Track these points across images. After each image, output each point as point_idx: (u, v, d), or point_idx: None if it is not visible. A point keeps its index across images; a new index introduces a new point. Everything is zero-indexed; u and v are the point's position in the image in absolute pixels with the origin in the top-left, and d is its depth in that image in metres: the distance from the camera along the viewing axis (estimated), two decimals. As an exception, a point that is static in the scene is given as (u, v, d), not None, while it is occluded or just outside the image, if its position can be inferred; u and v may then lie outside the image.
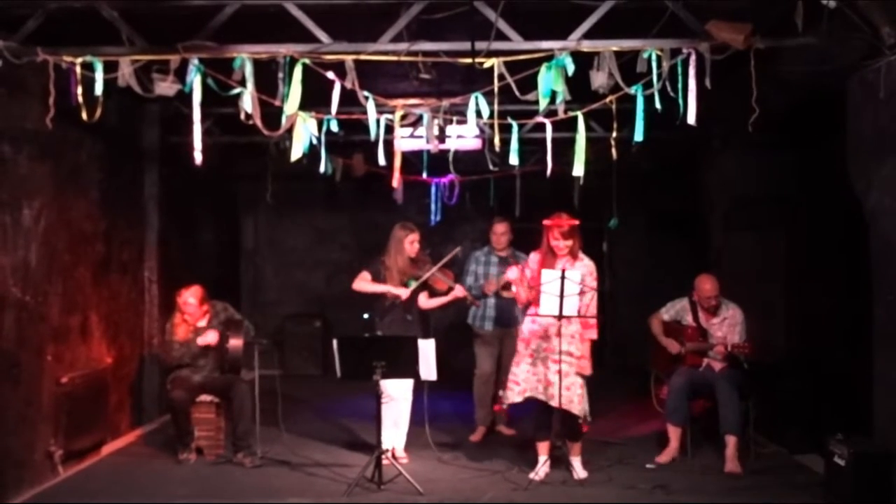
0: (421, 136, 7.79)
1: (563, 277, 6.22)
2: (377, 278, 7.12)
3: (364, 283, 7.13)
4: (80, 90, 5.71)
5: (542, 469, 6.57)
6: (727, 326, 7.17)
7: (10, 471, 6.04)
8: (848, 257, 7.41)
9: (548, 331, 6.44)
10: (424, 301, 7.24)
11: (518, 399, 6.51)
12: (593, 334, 6.52)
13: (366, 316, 7.20)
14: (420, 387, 7.02)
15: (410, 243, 7.13)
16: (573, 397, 6.34)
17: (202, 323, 7.31)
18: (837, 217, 7.62)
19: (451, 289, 7.17)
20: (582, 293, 6.34)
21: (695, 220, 10.44)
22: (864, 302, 6.29)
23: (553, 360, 6.36)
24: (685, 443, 7.19)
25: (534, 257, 6.67)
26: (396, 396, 7.02)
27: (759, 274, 9.02)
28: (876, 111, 5.91)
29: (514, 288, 6.77)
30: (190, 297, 7.24)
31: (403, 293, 7.01)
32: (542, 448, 6.64)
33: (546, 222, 6.54)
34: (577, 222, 6.51)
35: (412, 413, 7.23)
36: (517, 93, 5.91)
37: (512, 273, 6.72)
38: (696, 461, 7.11)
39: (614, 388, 9.99)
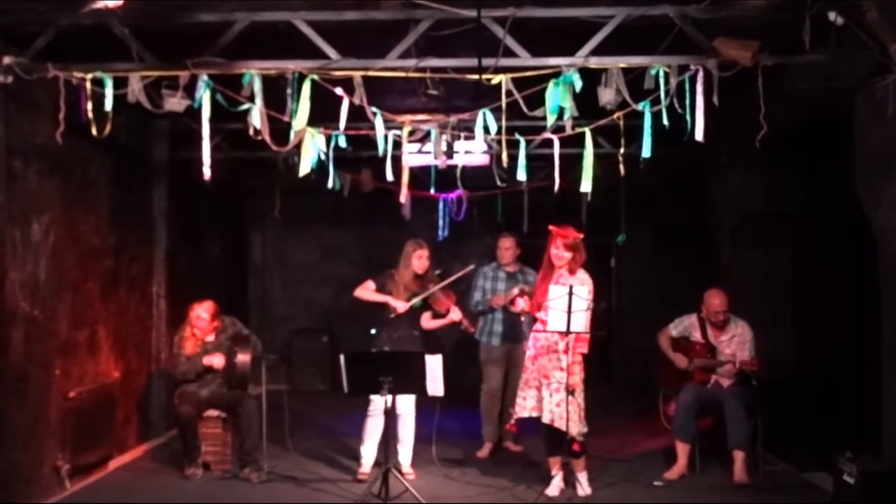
0: (429, 152, 7.81)
1: (570, 293, 6.22)
2: (382, 290, 7.09)
3: (365, 291, 7.11)
4: (90, 106, 5.75)
5: (556, 485, 6.55)
6: (736, 343, 7.15)
7: (17, 485, 6.05)
8: (856, 274, 7.40)
9: (552, 347, 6.42)
10: (426, 321, 7.20)
11: (527, 414, 6.47)
12: (584, 348, 6.43)
13: (373, 331, 7.16)
14: (432, 403, 7.00)
15: (418, 258, 7.09)
16: (563, 414, 6.26)
17: (210, 338, 7.33)
18: (845, 234, 7.61)
19: (448, 311, 7.06)
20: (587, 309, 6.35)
21: (702, 237, 10.43)
22: (872, 319, 6.27)
23: (544, 376, 6.40)
24: (693, 460, 7.16)
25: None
26: (401, 412, 7.01)
27: (767, 290, 9.01)
28: (884, 128, 5.91)
29: (522, 304, 6.75)
30: (202, 311, 7.26)
31: (401, 306, 6.95)
32: (555, 464, 6.60)
33: (552, 228, 6.53)
34: (581, 236, 6.51)
35: (420, 429, 7.22)
36: (525, 109, 5.92)
37: (520, 305, 6.73)
38: (704, 478, 7.08)
39: (622, 404, 9.98)
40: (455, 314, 7.05)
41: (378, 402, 6.85)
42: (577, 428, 6.30)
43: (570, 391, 6.26)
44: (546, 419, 6.35)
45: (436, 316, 7.18)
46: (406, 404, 7.03)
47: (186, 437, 7.14)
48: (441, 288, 7.06)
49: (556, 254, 6.47)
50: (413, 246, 7.14)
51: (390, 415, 6.50)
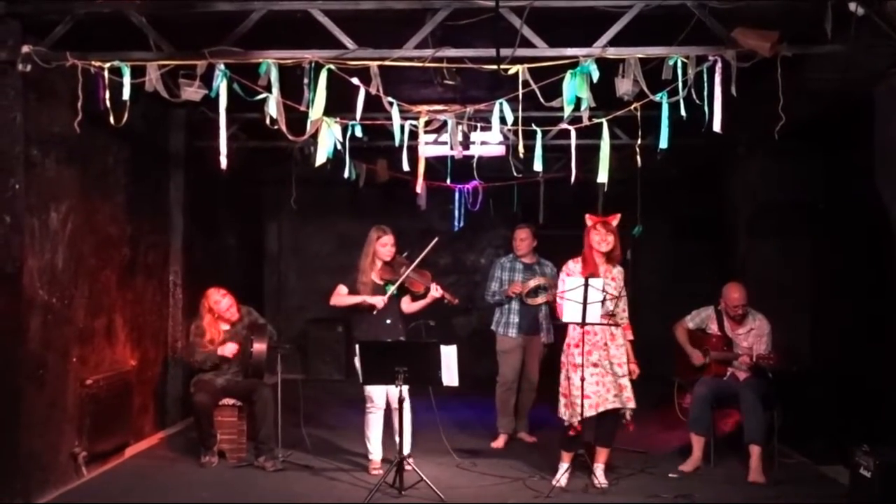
0: (445, 143, 7.80)
1: (586, 284, 6.21)
2: (353, 290, 7.02)
3: (340, 297, 7.05)
4: (107, 95, 5.76)
5: (564, 476, 6.56)
6: (753, 337, 7.12)
7: (34, 472, 6.10)
8: (874, 266, 7.35)
9: (603, 340, 6.46)
10: (406, 306, 7.12)
11: (592, 413, 6.39)
12: (630, 335, 6.60)
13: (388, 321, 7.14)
14: (440, 393, 6.98)
15: (382, 245, 7.00)
16: (629, 395, 6.46)
17: (225, 326, 7.36)
18: (863, 225, 7.55)
19: (427, 290, 6.98)
20: (613, 299, 6.35)
21: (719, 227, 10.38)
22: (890, 311, 6.22)
23: (618, 364, 6.45)
24: (708, 452, 7.14)
25: (573, 266, 6.61)
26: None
27: (784, 281, 8.96)
28: (904, 119, 5.86)
29: (540, 296, 6.74)
30: (219, 295, 7.31)
31: (379, 301, 6.89)
32: (567, 456, 6.62)
33: (590, 217, 6.54)
34: (618, 218, 6.57)
35: (433, 420, 7.23)
36: (542, 99, 5.90)
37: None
38: (719, 471, 7.07)
39: (637, 396, 9.91)
40: (435, 291, 6.97)
41: (377, 398, 6.86)
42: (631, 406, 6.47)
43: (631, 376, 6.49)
44: (612, 405, 6.40)
45: (415, 298, 7.10)
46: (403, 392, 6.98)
47: (202, 426, 7.18)
48: (413, 269, 6.98)
49: (599, 240, 6.47)
50: (376, 233, 7.07)
51: (401, 404, 6.49)
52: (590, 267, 6.49)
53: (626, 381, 6.45)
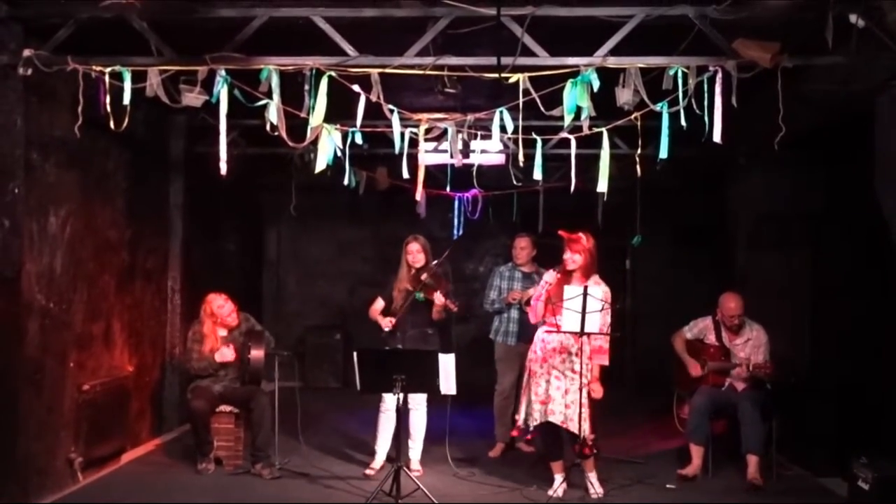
0: (445, 151, 7.81)
1: (585, 293, 6.20)
2: (388, 300, 7.20)
3: (373, 312, 7.26)
4: (108, 99, 5.76)
5: (559, 488, 6.53)
6: (750, 347, 7.12)
7: (31, 477, 6.08)
8: (874, 277, 7.34)
9: (565, 349, 6.40)
10: (435, 313, 7.17)
11: (545, 419, 6.40)
12: (604, 360, 6.45)
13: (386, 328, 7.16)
14: (443, 401, 6.99)
15: (408, 253, 7.13)
16: (574, 416, 6.28)
17: (223, 332, 7.35)
18: (863, 236, 7.54)
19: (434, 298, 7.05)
20: (603, 311, 6.33)
21: (719, 238, 10.38)
22: (891, 322, 6.21)
23: (557, 377, 6.36)
24: (707, 462, 7.12)
25: (551, 274, 6.64)
26: (411, 407, 7.03)
27: (784, 292, 8.94)
28: (904, 131, 5.86)
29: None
30: (221, 300, 7.31)
31: (385, 323, 7.04)
32: (557, 467, 6.61)
33: (562, 233, 6.54)
34: (591, 240, 6.51)
35: (432, 428, 7.22)
36: (542, 108, 5.90)
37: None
38: (717, 481, 7.05)
39: (636, 405, 9.94)
40: (437, 298, 7.00)
41: (389, 400, 6.90)
42: (585, 430, 6.26)
43: (588, 393, 6.28)
44: (558, 420, 6.33)
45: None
46: (418, 399, 7.02)
47: (199, 432, 7.16)
48: (428, 278, 7.02)
49: (568, 258, 6.48)
50: (405, 241, 7.19)
51: (402, 411, 6.49)
52: (561, 280, 6.49)
53: (564, 396, 6.32)
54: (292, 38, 5.88)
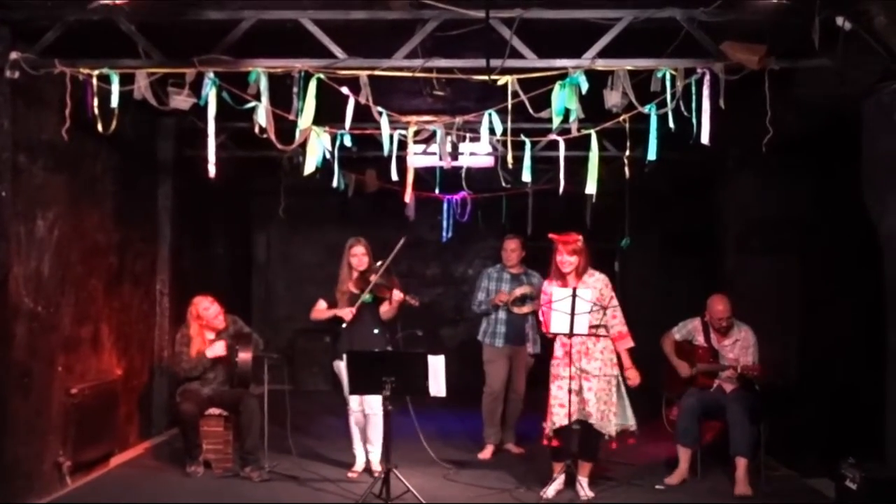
0: (434, 153, 7.82)
1: (574, 295, 6.21)
2: (333, 302, 7.18)
3: (317, 311, 7.26)
4: (96, 102, 5.75)
5: (555, 486, 6.55)
6: (739, 348, 7.13)
7: (18, 480, 6.05)
8: (863, 281, 7.36)
9: (581, 350, 6.45)
10: (384, 312, 7.19)
11: (566, 422, 6.39)
12: (629, 343, 6.56)
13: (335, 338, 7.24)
14: (418, 403, 7.03)
15: (353, 256, 7.13)
16: (609, 416, 6.39)
17: (210, 335, 7.33)
18: (853, 241, 7.57)
19: (391, 296, 7.04)
20: (599, 310, 6.35)
21: (707, 241, 10.40)
22: (879, 327, 6.24)
23: (586, 378, 6.41)
24: (695, 465, 7.13)
25: (550, 286, 6.62)
26: (368, 412, 7.06)
27: (773, 296, 8.96)
28: (891, 135, 5.88)
29: (527, 305, 6.75)
30: (208, 303, 7.29)
31: (346, 314, 7.01)
32: (558, 467, 6.61)
33: (552, 236, 6.55)
34: (581, 238, 6.53)
35: (424, 429, 7.25)
36: (531, 110, 5.91)
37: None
38: (705, 483, 7.06)
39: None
40: (396, 295, 7.01)
41: (354, 401, 7.02)
42: (616, 423, 6.42)
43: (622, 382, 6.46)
44: (594, 419, 6.36)
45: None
46: (374, 405, 6.97)
47: (188, 435, 7.14)
48: (381, 276, 7.01)
49: (561, 260, 6.49)
50: (348, 243, 7.21)
51: (387, 415, 6.46)
52: (562, 283, 6.52)
53: (590, 396, 6.37)
54: (281, 41, 5.88)
